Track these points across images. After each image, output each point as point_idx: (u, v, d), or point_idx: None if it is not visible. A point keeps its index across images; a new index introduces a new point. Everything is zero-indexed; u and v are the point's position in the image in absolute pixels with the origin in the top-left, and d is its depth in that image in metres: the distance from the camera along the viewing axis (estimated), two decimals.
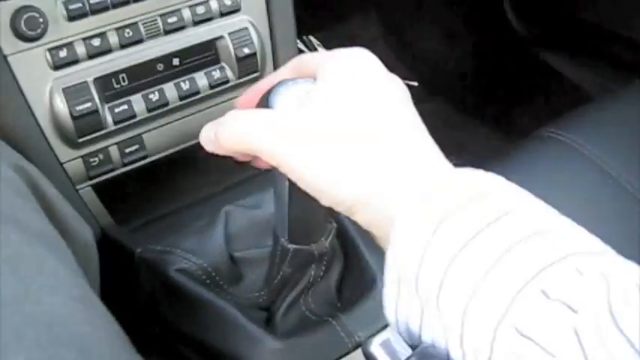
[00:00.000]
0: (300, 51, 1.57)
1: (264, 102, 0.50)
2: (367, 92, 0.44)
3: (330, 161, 0.41)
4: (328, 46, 1.57)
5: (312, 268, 0.63)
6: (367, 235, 0.71)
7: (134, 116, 0.71)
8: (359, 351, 0.62)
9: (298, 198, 0.53)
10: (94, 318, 0.49)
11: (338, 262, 0.68)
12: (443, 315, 0.37)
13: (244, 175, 0.80)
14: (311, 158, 0.41)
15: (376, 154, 0.41)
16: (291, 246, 0.60)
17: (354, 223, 0.70)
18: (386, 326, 0.63)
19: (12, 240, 0.49)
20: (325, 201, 0.43)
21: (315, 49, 1.58)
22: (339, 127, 0.42)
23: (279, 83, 0.50)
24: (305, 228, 0.59)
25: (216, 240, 0.69)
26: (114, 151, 0.72)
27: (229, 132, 0.46)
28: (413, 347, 0.42)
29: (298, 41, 1.58)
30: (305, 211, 0.56)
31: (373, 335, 0.44)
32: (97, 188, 0.73)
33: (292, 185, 0.52)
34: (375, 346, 0.42)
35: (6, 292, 0.45)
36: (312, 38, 1.59)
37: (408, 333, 0.41)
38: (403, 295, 0.40)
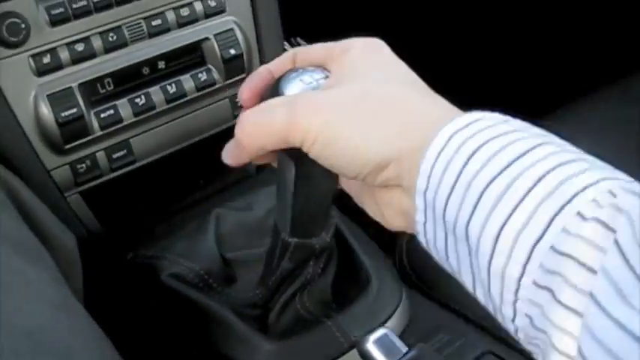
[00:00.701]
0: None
1: (275, 91, 0.49)
2: (386, 69, 0.47)
3: (358, 125, 0.42)
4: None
5: (310, 264, 0.63)
6: (362, 236, 0.72)
7: (121, 121, 0.70)
8: (355, 351, 0.61)
9: (304, 189, 0.53)
10: (75, 326, 0.48)
11: (334, 261, 0.67)
12: (472, 241, 0.37)
13: (233, 177, 0.79)
14: (340, 126, 0.42)
15: (404, 113, 0.42)
16: (293, 240, 0.59)
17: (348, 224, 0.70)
18: (381, 325, 0.63)
19: None
20: (352, 168, 0.43)
21: None
22: (366, 95, 0.43)
23: (289, 72, 0.50)
24: (308, 221, 0.59)
25: (207, 243, 0.68)
26: (101, 157, 0.71)
27: (252, 128, 0.46)
28: (408, 345, 0.41)
29: (285, 42, 1.57)
30: (309, 203, 0.56)
31: (368, 334, 0.43)
32: (85, 195, 0.72)
33: (299, 176, 0.51)
34: (370, 344, 0.41)
35: None
36: (299, 40, 1.58)
37: (437, 254, 0.43)
38: (429, 219, 0.41)
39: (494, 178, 0.36)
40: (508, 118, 0.41)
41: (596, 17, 1.22)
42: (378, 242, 0.74)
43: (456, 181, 0.38)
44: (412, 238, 0.76)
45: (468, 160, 0.38)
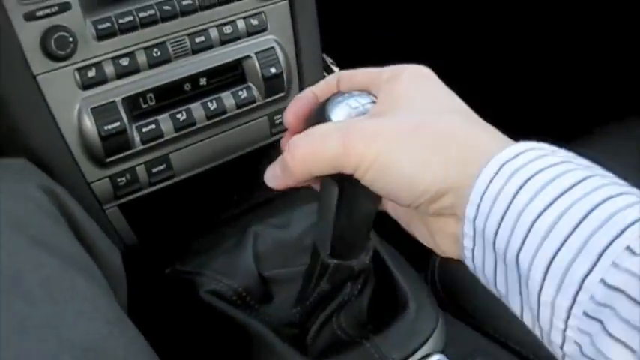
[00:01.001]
0: None
1: (322, 115, 0.49)
2: (437, 99, 0.47)
3: (417, 154, 0.42)
4: (342, 64, 1.57)
5: (347, 286, 0.63)
6: (399, 258, 0.72)
7: (161, 136, 0.71)
8: None
9: (346, 212, 0.53)
10: (128, 342, 0.49)
11: (371, 282, 0.67)
12: (522, 269, 0.38)
13: (270, 194, 0.80)
14: (397, 155, 0.42)
15: (459, 144, 0.42)
16: (332, 261, 0.59)
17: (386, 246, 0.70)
18: (419, 348, 0.62)
19: (44, 263, 0.48)
20: (408, 196, 0.43)
21: (329, 67, 1.58)
22: (422, 126, 0.43)
23: (334, 95, 0.50)
24: (348, 243, 0.59)
25: (245, 260, 0.68)
26: (141, 171, 0.71)
27: (304, 154, 0.45)
28: None
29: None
30: (350, 226, 0.56)
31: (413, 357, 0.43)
32: (123, 208, 0.72)
33: (341, 199, 0.51)
34: None
35: (41, 316, 0.45)
36: (324, 56, 1.59)
37: (485, 279, 0.43)
38: (478, 246, 0.41)
39: (544, 209, 0.37)
40: (555, 148, 0.41)
41: (629, 41, 1.22)
42: (410, 263, 0.74)
43: (505, 211, 0.39)
44: (444, 260, 0.76)
45: (518, 191, 0.38)
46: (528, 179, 0.38)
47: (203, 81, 0.73)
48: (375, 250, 0.68)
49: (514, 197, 0.38)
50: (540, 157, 0.39)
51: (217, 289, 0.66)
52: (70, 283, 0.48)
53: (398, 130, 0.43)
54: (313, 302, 0.63)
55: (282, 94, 0.77)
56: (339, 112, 0.48)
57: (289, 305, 0.67)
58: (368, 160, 0.43)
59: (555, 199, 0.37)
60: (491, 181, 0.40)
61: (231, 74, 0.75)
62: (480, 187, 0.40)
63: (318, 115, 0.50)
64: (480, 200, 0.40)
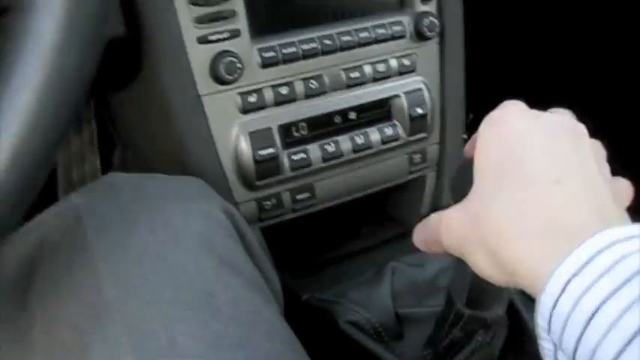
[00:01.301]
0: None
1: (467, 174, 0.48)
2: (501, 168, 0.43)
3: (476, 254, 0.43)
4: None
5: (480, 334, 0.63)
6: (533, 309, 0.71)
7: (310, 165, 0.73)
8: None
9: None
10: None
11: (503, 331, 0.67)
12: None
13: (400, 230, 0.81)
14: (467, 251, 0.44)
15: (504, 247, 0.41)
16: (467, 311, 0.59)
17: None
18: None
19: (232, 284, 0.50)
20: (500, 282, 0.43)
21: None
22: (477, 220, 0.42)
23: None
24: (483, 295, 0.59)
25: (383, 295, 0.69)
26: (286, 197, 0.74)
27: (419, 237, 0.50)
28: None
29: None
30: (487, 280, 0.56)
31: None
32: (264, 231, 0.74)
33: None
34: None
35: (232, 335, 0.46)
36: None
37: None
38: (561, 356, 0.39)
39: (621, 351, 0.33)
40: (630, 234, 0.36)
41: None
42: None
43: (577, 344, 0.35)
44: None
45: (588, 323, 0.34)
46: (596, 310, 0.34)
47: (353, 115, 0.75)
48: (511, 298, 0.68)
49: (583, 331, 0.34)
50: (609, 270, 0.34)
51: (356, 321, 0.67)
52: (254, 305, 0.50)
53: (461, 227, 0.44)
54: (445, 347, 0.63)
55: (424, 135, 0.79)
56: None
57: (419, 346, 0.67)
58: (456, 253, 0.45)
59: (630, 340, 0.32)
60: (557, 301, 0.35)
61: (378, 111, 0.77)
62: (547, 302, 0.36)
63: (465, 174, 0.49)
64: (550, 317, 0.36)
